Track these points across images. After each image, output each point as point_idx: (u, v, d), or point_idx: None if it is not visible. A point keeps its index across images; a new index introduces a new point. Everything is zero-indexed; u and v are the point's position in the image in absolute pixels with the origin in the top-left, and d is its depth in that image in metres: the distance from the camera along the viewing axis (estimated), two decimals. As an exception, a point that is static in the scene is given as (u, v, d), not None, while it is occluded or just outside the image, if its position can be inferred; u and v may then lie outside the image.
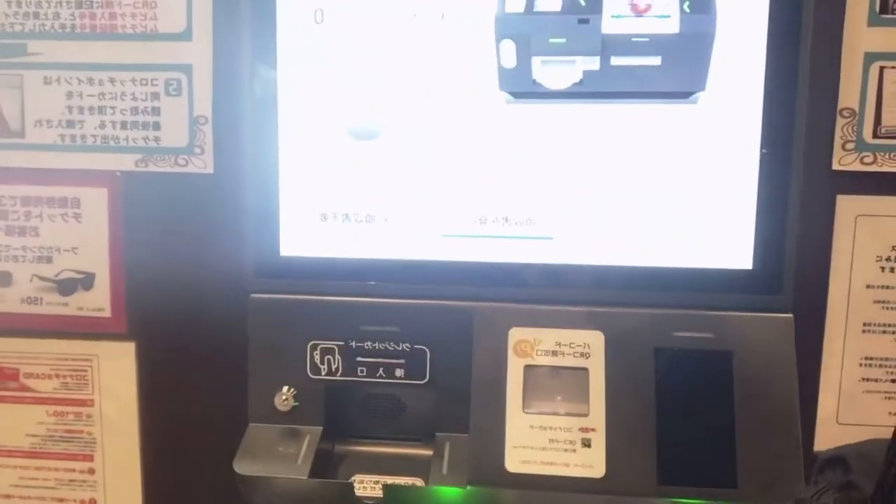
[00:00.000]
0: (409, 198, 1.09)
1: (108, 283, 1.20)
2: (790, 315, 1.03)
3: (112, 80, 1.16)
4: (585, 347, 1.04)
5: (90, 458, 1.24)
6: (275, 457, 1.07)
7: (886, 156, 1.07)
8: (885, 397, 1.11)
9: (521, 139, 1.06)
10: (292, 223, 1.12)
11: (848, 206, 1.08)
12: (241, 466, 1.06)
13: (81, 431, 1.24)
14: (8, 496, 1.26)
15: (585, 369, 1.03)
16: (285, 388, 1.10)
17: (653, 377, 1.02)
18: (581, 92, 1.04)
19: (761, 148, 1.02)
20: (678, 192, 1.05)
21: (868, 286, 1.08)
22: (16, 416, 1.25)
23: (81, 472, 1.25)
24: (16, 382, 1.24)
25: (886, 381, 1.08)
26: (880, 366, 1.10)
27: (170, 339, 1.21)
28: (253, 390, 1.11)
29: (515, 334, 1.05)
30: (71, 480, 1.25)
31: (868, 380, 1.10)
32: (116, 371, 1.22)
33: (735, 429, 0.99)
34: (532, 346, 1.05)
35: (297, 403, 1.10)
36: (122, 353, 1.21)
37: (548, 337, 1.05)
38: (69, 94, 1.17)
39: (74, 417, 1.24)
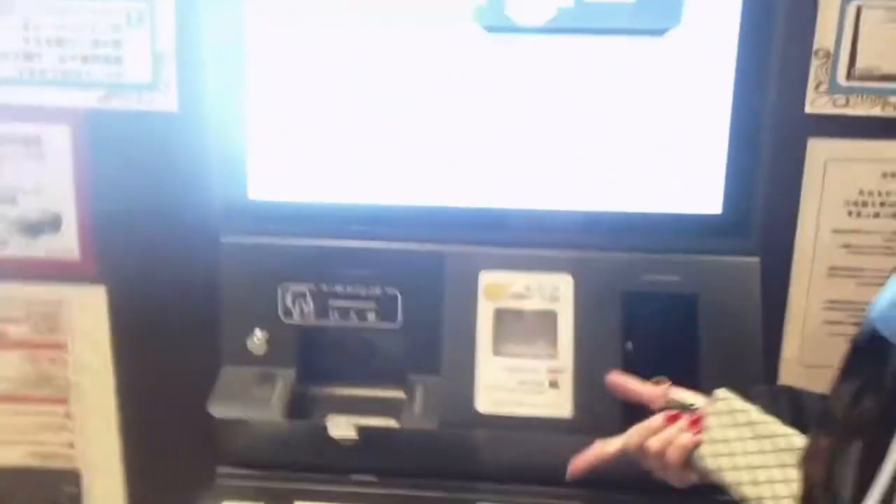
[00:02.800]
0: (383, 139, 1.08)
1: (75, 224, 1.18)
2: (757, 259, 1.05)
3: (71, 10, 1.12)
4: (555, 290, 1.05)
5: (66, 402, 1.25)
6: (249, 399, 1.09)
7: (859, 98, 1.06)
8: (848, 340, 1.13)
9: (495, 78, 1.04)
10: (262, 165, 1.10)
11: (818, 150, 1.08)
12: (216, 409, 1.07)
13: (56, 376, 1.24)
14: (-14, 440, 1.27)
15: (554, 312, 1.05)
16: (258, 332, 1.11)
17: (620, 320, 1.04)
18: (555, 28, 1.02)
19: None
20: (650, 133, 1.05)
21: (835, 230, 1.09)
22: (-12, 361, 1.25)
23: (59, 416, 1.26)
24: (-13, 327, 1.24)
25: (849, 324, 1.11)
26: (843, 309, 1.11)
27: (141, 282, 1.19)
28: (225, 333, 1.12)
29: (486, 277, 1.06)
30: (48, 424, 1.26)
31: (832, 322, 1.12)
32: (88, 315, 1.21)
33: (699, 370, 1.01)
34: (502, 289, 1.06)
35: (269, 346, 1.11)
36: (93, 297, 1.20)
37: (518, 280, 1.06)
38: (25, 25, 1.13)
39: (49, 363, 1.24)
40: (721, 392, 0.83)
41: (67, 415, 1.26)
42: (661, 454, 0.83)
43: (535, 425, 1.02)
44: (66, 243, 1.20)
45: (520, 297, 1.05)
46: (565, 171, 1.06)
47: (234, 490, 1.08)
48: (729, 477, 0.78)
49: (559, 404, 1.02)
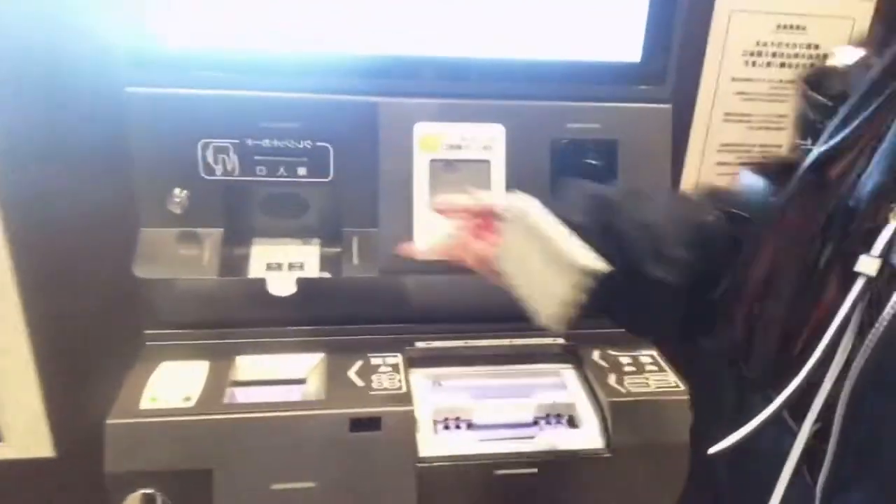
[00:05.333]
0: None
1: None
2: (669, 106, 1.12)
3: None
4: (488, 140, 1.07)
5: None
6: (177, 260, 1.05)
7: (763, -48, 1.13)
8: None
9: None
10: (171, 6, 1.00)
11: (725, 1, 1.15)
12: (142, 270, 1.03)
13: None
14: None
15: (488, 161, 1.08)
16: (177, 190, 1.05)
17: (548, 167, 1.09)
18: None
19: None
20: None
21: (733, 79, 1.19)
22: None
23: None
24: None
25: (736, 164, 1.24)
26: (732, 151, 1.24)
27: (39, 136, 1.07)
28: (141, 193, 1.05)
29: (421, 129, 1.06)
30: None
31: (723, 164, 1.25)
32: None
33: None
34: (437, 140, 1.07)
35: (191, 205, 1.06)
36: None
37: (452, 131, 1.07)
38: None
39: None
40: (518, 198, 0.81)
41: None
42: (461, 260, 0.85)
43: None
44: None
45: (454, 147, 1.07)
46: (495, 20, 1.06)
47: (170, 350, 1.07)
48: (514, 281, 0.80)
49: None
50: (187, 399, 0.97)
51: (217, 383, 1.01)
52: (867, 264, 0.52)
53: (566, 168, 1.09)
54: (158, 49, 1.01)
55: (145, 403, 0.96)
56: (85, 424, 0.98)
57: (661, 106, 1.12)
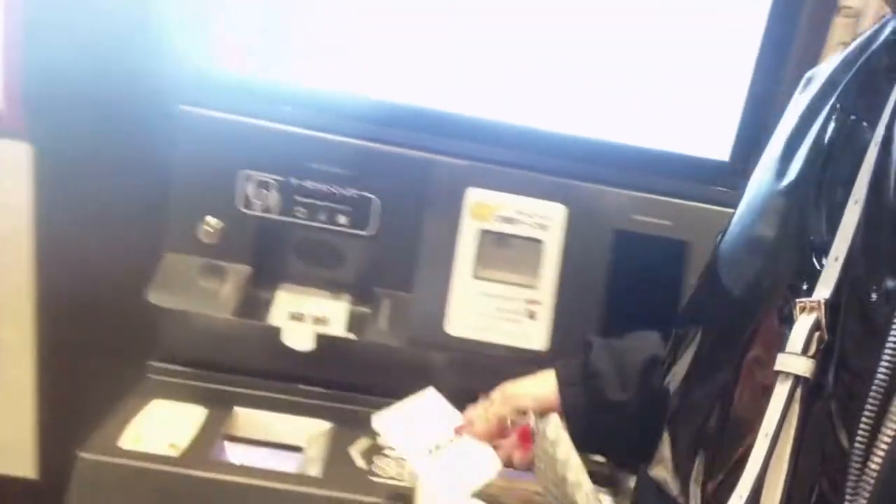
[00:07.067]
0: (379, 24, 0.96)
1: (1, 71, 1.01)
2: (751, 212, 1.02)
3: None
4: (545, 219, 0.99)
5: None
6: (195, 291, 0.98)
7: (875, 65, 1.04)
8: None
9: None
10: (233, 31, 0.96)
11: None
12: (156, 296, 0.96)
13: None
14: None
15: (541, 241, 0.99)
16: (211, 219, 0.99)
17: (607, 257, 0.99)
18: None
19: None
20: (668, 73, 0.98)
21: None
22: None
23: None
24: None
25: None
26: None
27: (75, 147, 1.04)
28: (174, 216, 0.99)
29: (474, 195, 0.98)
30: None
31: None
32: (8, 174, 1.05)
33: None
34: (490, 209, 0.99)
35: (222, 237, 1.00)
36: (17, 155, 1.04)
37: (508, 202, 0.99)
38: None
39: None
40: (550, 422, 0.73)
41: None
42: (509, 462, 0.77)
43: (504, 354, 0.98)
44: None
45: (508, 220, 0.98)
46: (574, 95, 0.99)
47: (168, 387, 0.98)
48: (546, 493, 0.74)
49: (534, 336, 0.98)
50: (173, 447, 0.87)
51: (209, 434, 0.91)
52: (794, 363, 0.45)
53: (628, 263, 0.99)
54: (218, 71, 0.97)
55: (126, 442, 0.87)
56: (71, 451, 0.90)
57: (742, 212, 1.02)
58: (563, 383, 0.73)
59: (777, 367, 0.46)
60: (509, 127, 1.00)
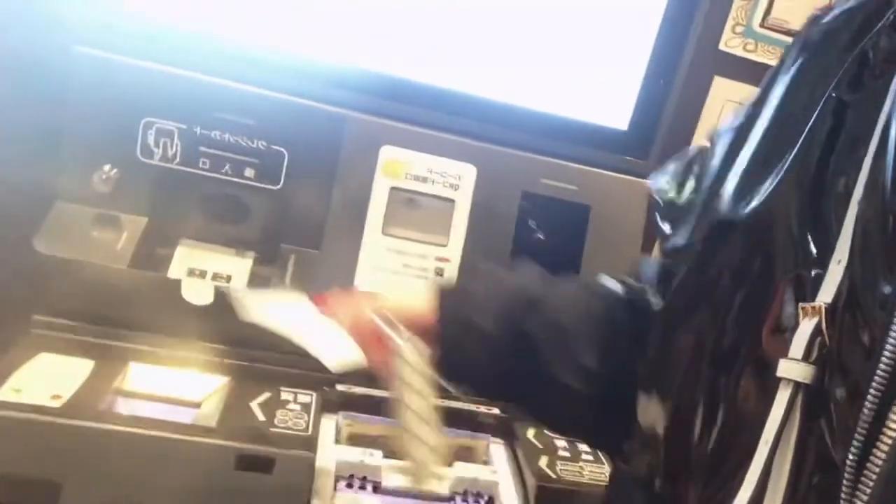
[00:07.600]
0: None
1: None
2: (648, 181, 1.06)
3: None
4: (456, 179, 1.00)
5: None
6: (88, 242, 0.93)
7: (766, 47, 1.10)
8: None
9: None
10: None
11: (721, 89, 1.11)
12: (44, 245, 0.91)
13: None
14: None
15: (452, 201, 1.00)
16: (107, 167, 0.94)
17: (515, 219, 1.01)
18: None
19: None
20: (576, 43, 1.01)
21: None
22: None
23: None
24: None
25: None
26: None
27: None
28: (67, 162, 0.94)
29: (387, 152, 0.98)
30: None
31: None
32: None
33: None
34: (402, 167, 0.99)
35: (119, 187, 0.95)
36: None
37: (420, 161, 0.99)
38: None
39: None
40: (405, 344, 0.72)
41: None
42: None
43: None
44: None
45: (420, 179, 0.99)
46: (488, 59, 1.01)
47: (57, 342, 0.93)
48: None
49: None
50: (56, 397, 0.83)
51: (98, 387, 0.87)
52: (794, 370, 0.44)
53: (534, 224, 1.02)
54: (115, 11, 0.92)
55: (5, 394, 0.81)
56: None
57: (641, 180, 1.06)
58: (437, 298, 0.70)
59: (779, 374, 0.45)
60: (424, 87, 1.01)
